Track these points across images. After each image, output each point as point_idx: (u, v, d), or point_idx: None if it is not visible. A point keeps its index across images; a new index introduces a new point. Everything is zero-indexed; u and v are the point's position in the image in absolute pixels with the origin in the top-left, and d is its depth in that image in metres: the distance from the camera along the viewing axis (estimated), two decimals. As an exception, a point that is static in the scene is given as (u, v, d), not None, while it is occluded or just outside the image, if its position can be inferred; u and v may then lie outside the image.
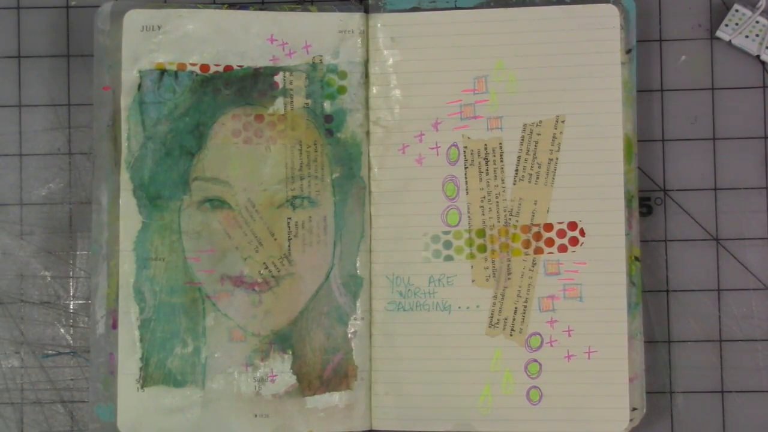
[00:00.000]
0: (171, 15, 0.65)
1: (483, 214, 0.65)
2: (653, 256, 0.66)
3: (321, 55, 0.66)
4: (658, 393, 0.66)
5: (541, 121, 0.65)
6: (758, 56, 0.67)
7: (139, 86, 0.65)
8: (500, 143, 0.65)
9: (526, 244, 0.65)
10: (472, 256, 0.65)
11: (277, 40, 0.66)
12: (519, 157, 0.65)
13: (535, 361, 0.64)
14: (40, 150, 0.67)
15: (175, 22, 0.65)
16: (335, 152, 0.65)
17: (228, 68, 0.65)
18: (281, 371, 0.64)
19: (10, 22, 0.68)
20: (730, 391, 0.66)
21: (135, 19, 0.65)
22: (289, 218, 0.65)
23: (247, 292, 0.65)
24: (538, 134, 0.65)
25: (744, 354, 0.66)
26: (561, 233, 0.64)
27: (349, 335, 0.65)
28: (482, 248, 0.65)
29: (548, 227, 0.65)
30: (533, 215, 0.65)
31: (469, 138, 0.65)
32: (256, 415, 0.64)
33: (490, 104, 0.65)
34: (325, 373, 0.64)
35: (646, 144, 0.67)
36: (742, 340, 0.66)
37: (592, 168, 0.64)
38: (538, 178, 0.65)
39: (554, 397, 0.64)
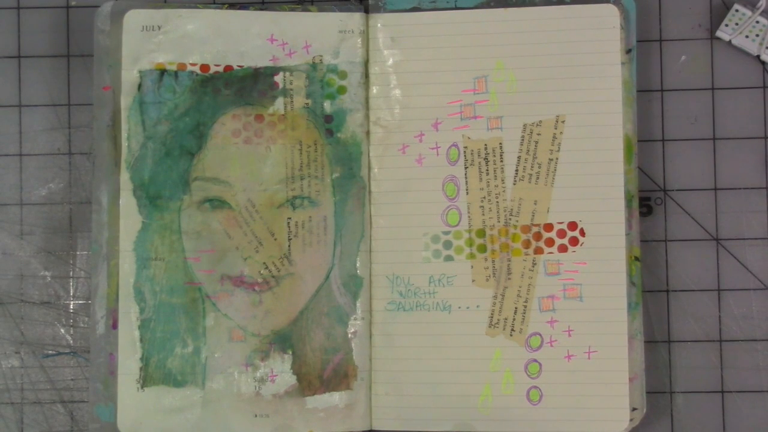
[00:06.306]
0: (171, 15, 0.65)
1: (483, 214, 0.65)
2: (653, 256, 0.66)
3: (321, 55, 0.66)
4: (658, 393, 0.66)
5: (541, 121, 0.65)
6: (758, 56, 0.67)
7: (139, 86, 0.65)
8: (500, 143, 0.65)
9: (526, 244, 0.65)
10: (472, 256, 0.65)
11: (277, 40, 0.66)
12: (519, 157, 0.65)
13: (535, 361, 0.64)
14: (40, 150, 0.67)
15: (175, 22, 0.65)
16: (335, 152, 0.65)
17: (228, 68, 0.65)
18: (281, 371, 0.64)
19: (10, 22, 0.68)
20: (730, 391, 0.66)
21: (135, 19, 0.65)
22: (289, 218, 0.65)
23: (247, 292, 0.65)
24: (538, 134, 0.65)
25: (744, 354, 0.66)
26: (561, 233, 0.64)
27: (349, 335, 0.65)
28: (482, 248, 0.65)
29: (548, 227, 0.65)
30: (533, 215, 0.65)
31: (469, 138, 0.65)
32: (256, 415, 0.64)
33: (490, 104, 0.65)
34: (325, 373, 0.64)
35: (646, 144, 0.67)
36: (742, 340, 0.66)
37: (592, 168, 0.64)
38: (538, 178, 0.65)
39: (554, 397, 0.64)
